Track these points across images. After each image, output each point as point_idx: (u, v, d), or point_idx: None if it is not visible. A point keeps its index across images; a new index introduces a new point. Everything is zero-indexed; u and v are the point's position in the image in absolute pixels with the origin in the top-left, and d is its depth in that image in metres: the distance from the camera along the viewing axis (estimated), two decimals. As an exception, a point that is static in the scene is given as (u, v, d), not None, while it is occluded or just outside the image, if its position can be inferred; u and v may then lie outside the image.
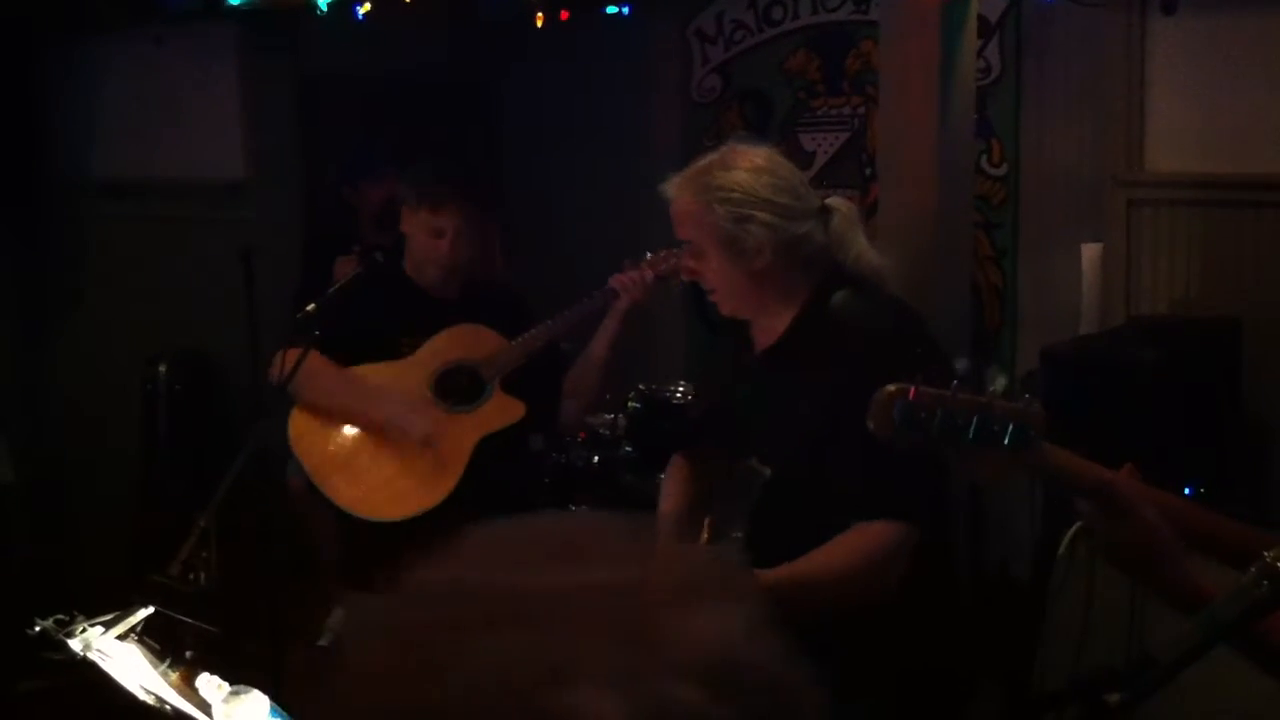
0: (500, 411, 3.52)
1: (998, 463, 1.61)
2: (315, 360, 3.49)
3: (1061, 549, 3.39)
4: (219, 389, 5.35)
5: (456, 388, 3.55)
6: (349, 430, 3.50)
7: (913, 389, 1.59)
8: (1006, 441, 1.58)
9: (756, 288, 2.60)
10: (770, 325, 2.65)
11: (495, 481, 3.46)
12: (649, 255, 3.50)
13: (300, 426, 3.48)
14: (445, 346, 3.56)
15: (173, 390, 5.31)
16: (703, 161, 2.63)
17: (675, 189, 2.62)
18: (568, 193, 6.02)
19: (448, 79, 6.03)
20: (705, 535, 2.60)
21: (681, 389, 4.36)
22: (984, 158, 4.99)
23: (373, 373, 3.52)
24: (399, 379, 3.53)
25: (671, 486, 2.93)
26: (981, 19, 4.46)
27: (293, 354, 3.37)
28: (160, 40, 5.35)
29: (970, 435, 1.58)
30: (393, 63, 5.70)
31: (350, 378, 3.52)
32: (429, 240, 3.51)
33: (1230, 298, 4.22)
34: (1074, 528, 3.39)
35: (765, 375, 2.66)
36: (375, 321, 3.53)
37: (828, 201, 2.65)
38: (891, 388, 1.62)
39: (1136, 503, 1.62)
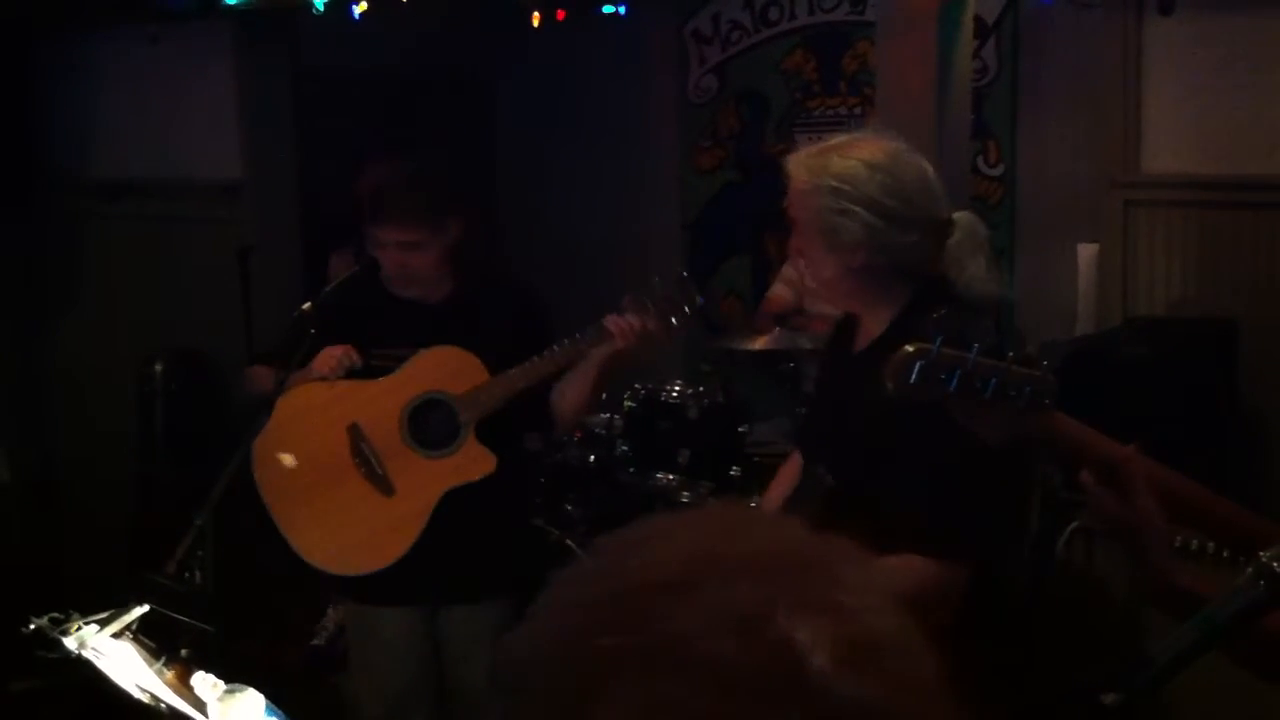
0: (471, 463, 3.28)
1: (1010, 424, 1.62)
2: (259, 371, 3.42)
3: (1059, 548, 3.40)
4: (215, 388, 5.34)
5: (430, 424, 3.31)
6: (310, 461, 3.34)
7: (934, 349, 1.60)
8: (1021, 404, 1.60)
9: (854, 283, 2.47)
10: (869, 326, 2.52)
11: (490, 480, 3.39)
12: (650, 300, 3.14)
13: (260, 453, 3.33)
14: (423, 372, 3.31)
15: (169, 389, 5.30)
16: (830, 141, 2.48)
17: (793, 164, 2.49)
18: (563, 192, 6.02)
19: (445, 78, 6.03)
20: None
21: (678, 388, 4.36)
22: (980, 158, 5.00)
23: (346, 392, 3.33)
24: (370, 403, 3.31)
25: (777, 484, 2.80)
26: (978, 20, 4.47)
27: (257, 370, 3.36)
28: (156, 39, 5.34)
29: (986, 394, 1.59)
30: (390, 61, 5.70)
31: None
32: (379, 252, 3.31)
33: (1226, 298, 4.23)
34: (1071, 526, 3.40)
35: (850, 381, 2.53)
36: (349, 330, 3.32)
37: (954, 216, 2.49)
38: (911, 347, 1.61)
39: (1140, 486, 1.62)
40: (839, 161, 2.42)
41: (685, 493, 4.19)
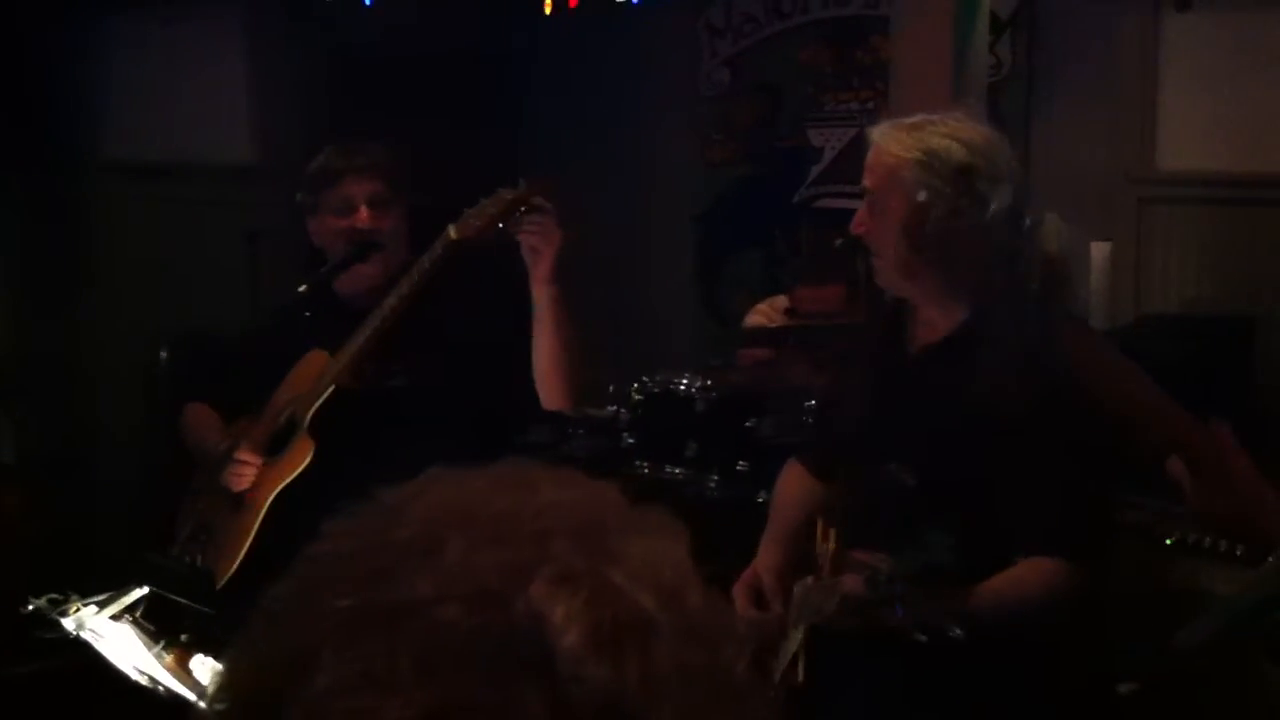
0: (292, 458, 3.04)
1: None
2: (197, 414, 3.38)
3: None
4: (221, 371, 5.32)
5: (284, 432, 3.15)
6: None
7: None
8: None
9: (924, 269, 2.38)
10: (933, 319, 2.44)
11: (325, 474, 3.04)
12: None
13: None
14: (293, 381, 3.18)
15: (175, 373, 5.29)
16: (922, 117, 2.40)
17: (880, 134, 2.40)
18: (573, 181, 5.98)
19: (458, 62, 5.98)
20: (831, 546, 2.37)
21: (686, 381, 4.32)
22: (994, 154, 4.96)
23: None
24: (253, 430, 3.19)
25: (784, 496, 2.74)
26: (993, 15, 4.43)
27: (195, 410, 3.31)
28: (168, 20, 5.33)
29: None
30: (404, 43, 5.67)
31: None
32: (337, 222, 3.14)
33: (1242, 297, 4.19)
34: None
35: (922, 374, 2.45)
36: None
37: (1047, 216, 2.46)
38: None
39: (1245, 465, 1.58)
40: (937, 139, 2.34)
41: (692, 486, 4.16)
